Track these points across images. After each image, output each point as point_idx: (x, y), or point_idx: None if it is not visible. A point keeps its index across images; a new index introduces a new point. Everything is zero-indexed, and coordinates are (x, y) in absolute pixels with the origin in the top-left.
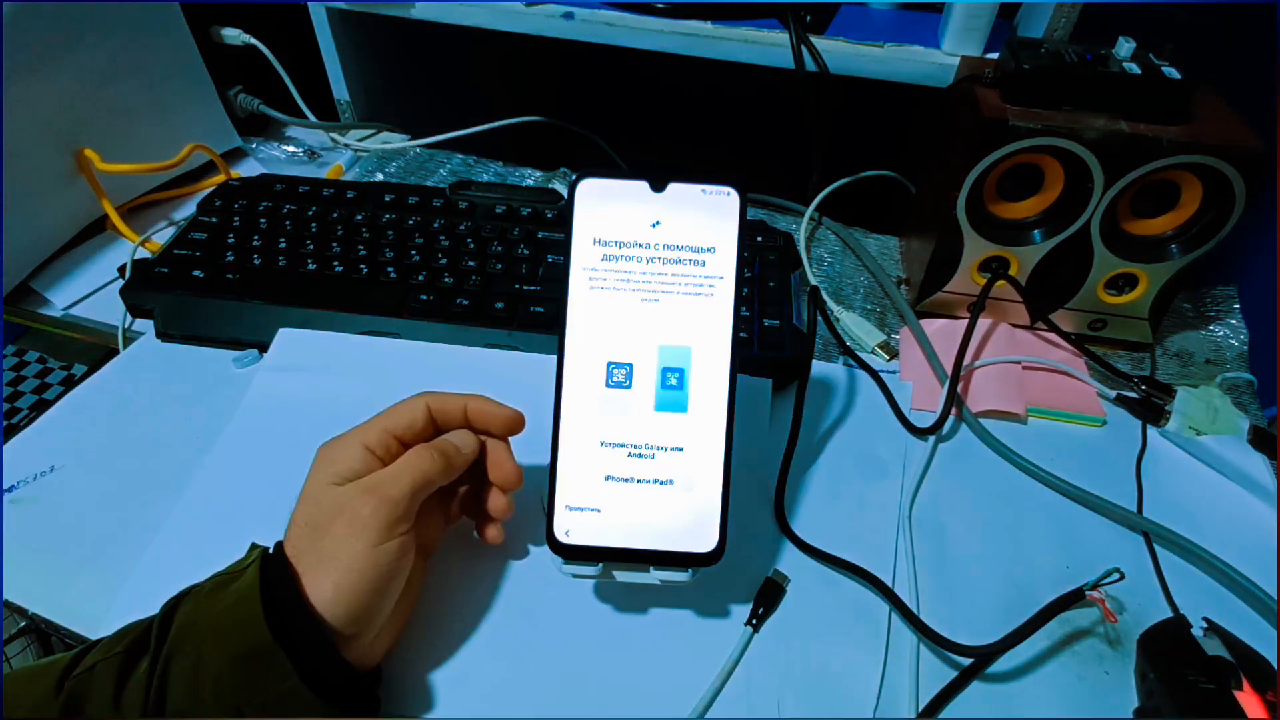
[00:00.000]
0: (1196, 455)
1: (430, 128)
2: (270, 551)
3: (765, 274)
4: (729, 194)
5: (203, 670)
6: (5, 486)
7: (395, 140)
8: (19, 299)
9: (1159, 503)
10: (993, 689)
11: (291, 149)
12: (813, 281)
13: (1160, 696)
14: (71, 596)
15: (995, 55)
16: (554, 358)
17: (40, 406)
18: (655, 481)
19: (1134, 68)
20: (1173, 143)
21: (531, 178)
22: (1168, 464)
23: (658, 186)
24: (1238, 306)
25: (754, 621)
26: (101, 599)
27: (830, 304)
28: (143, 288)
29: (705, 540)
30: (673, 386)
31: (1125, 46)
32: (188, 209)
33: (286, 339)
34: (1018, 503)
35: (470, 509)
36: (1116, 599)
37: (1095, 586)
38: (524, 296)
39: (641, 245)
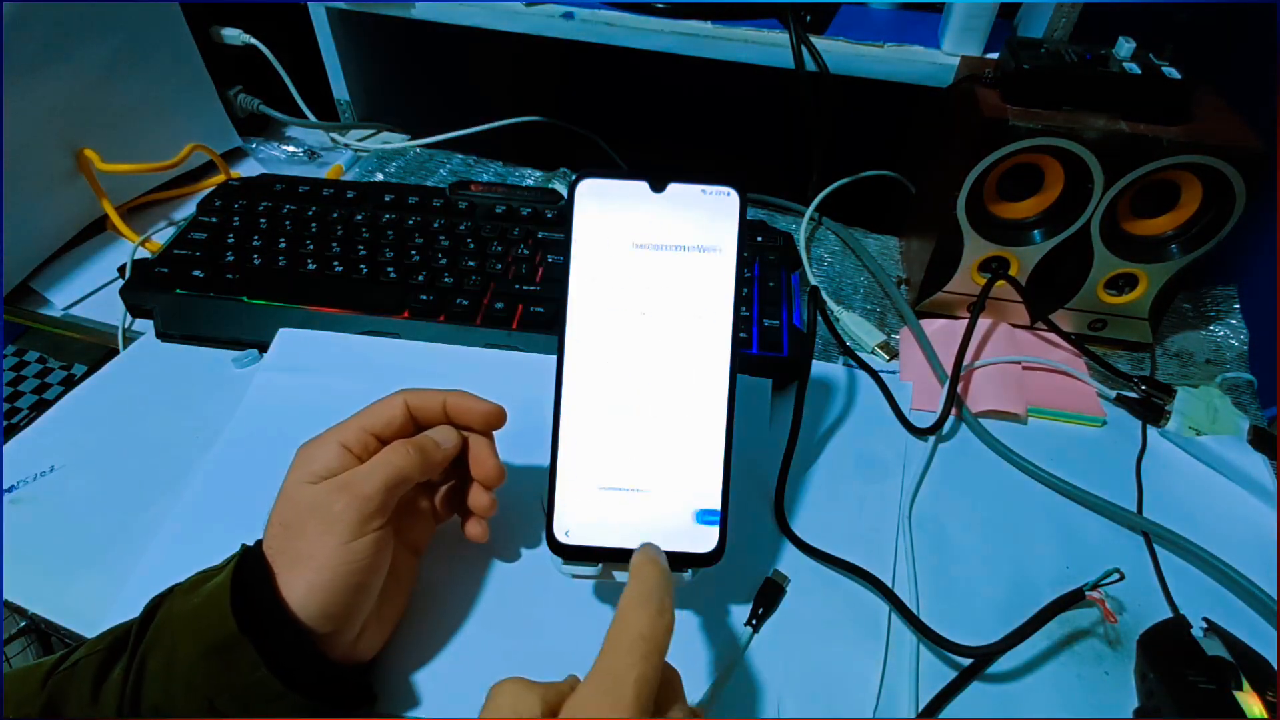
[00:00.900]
0: (1196, 455)
1: (430, 128)
2: (249, 549)
3: (765, 274)
4: (729, 194)
5: (175, 663)
6: (5, 486)
7: (395, 140)
8: (19, 299)
9: (1159, 503)
10: (993, 689)
11: (291, 149)
12: (813, 281)
13: (1160, 696)
14: (71, 596)
15: (995, 55)
16: (554, 358)
17: (40, 406)
18: (655, 482)
19: (1134, 68)
20: (1173, 143)
21: (531, 178)
22: (1168, 464)
23: (658, 187)
24: (1238, 306)
25: (754, 621)
26: (101, 599)
27: (830, 304)
28: (143, 288)
29: (705, 540)
30: (675, 387)
31: (1125, 46)
32: (188, 209)
33: (286, 339)
34: (1018, 503)
35: (455, 506)
36: (1116, 599)
37: (1095, 587)
38: (524, 296)
39: (641, 245)
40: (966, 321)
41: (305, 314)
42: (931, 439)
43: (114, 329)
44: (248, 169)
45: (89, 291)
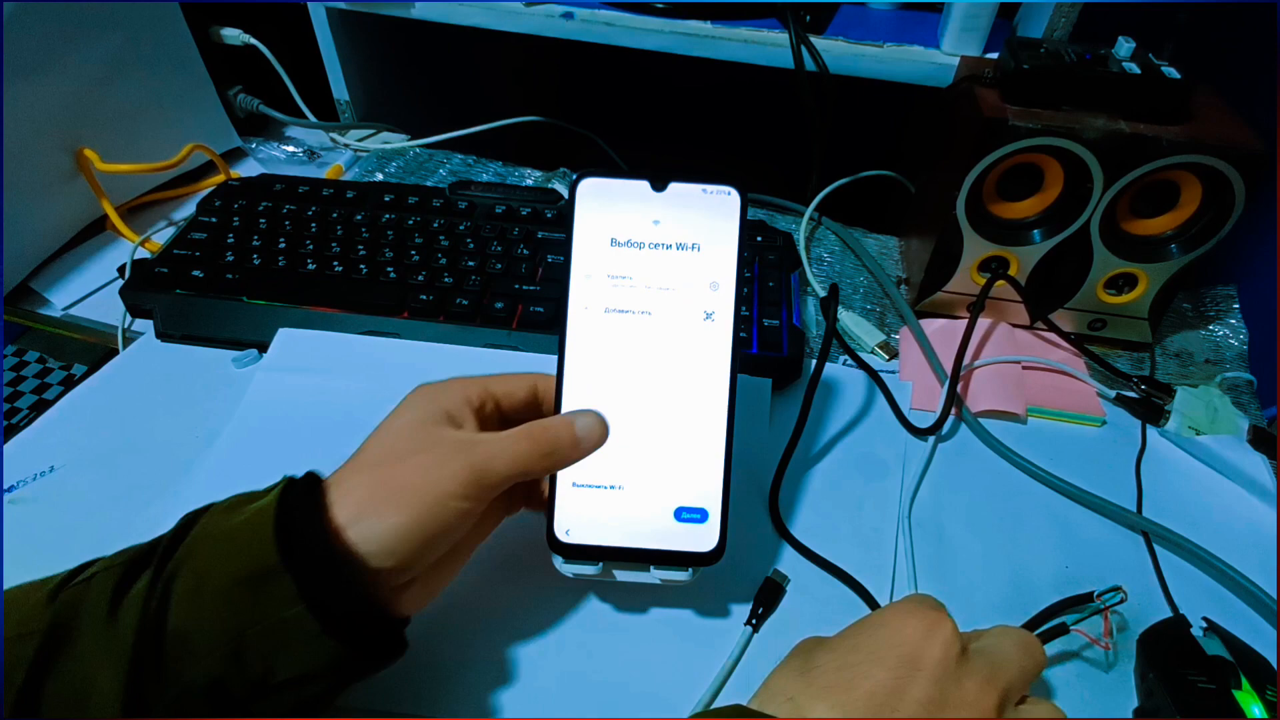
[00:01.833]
0: (1196, 455)
1: (430, 128)
2: (299, 478)
3: (765, 274)
4: (730, 193)
5: (204, 587)
6: (5, 486)
7: (395, 140)
8: (19, 299)
9: (1159, 503)
10: None
11: (291, 149)
12: (812, 281)
13: (1160, 696)
14: None
15: (995, 55)
16: (554, 358)
17: (40, 406)
18: (656, 481)
19: (1134, 68)
20: (1172, 143)
21: (531, 178)
22: (1168, 464)
23: (658, 186)
24: (1238, 306)
25: (754, 621)
26: None
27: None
28: (142, 288)
29: (706, 540)
30: (674, 386)
31: (1125, 46)
32: (188, 209)
33: (286, 339)
34: (1018, 503)
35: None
36: (1120, 613)
37: (1102, 608)
38: (524, 296)
39: (642, 245)
40: (966, 321)
41: (305, 314)
42: (931, 439)
43: (114, 329)
44: (247, 169)
45: (89, 291)
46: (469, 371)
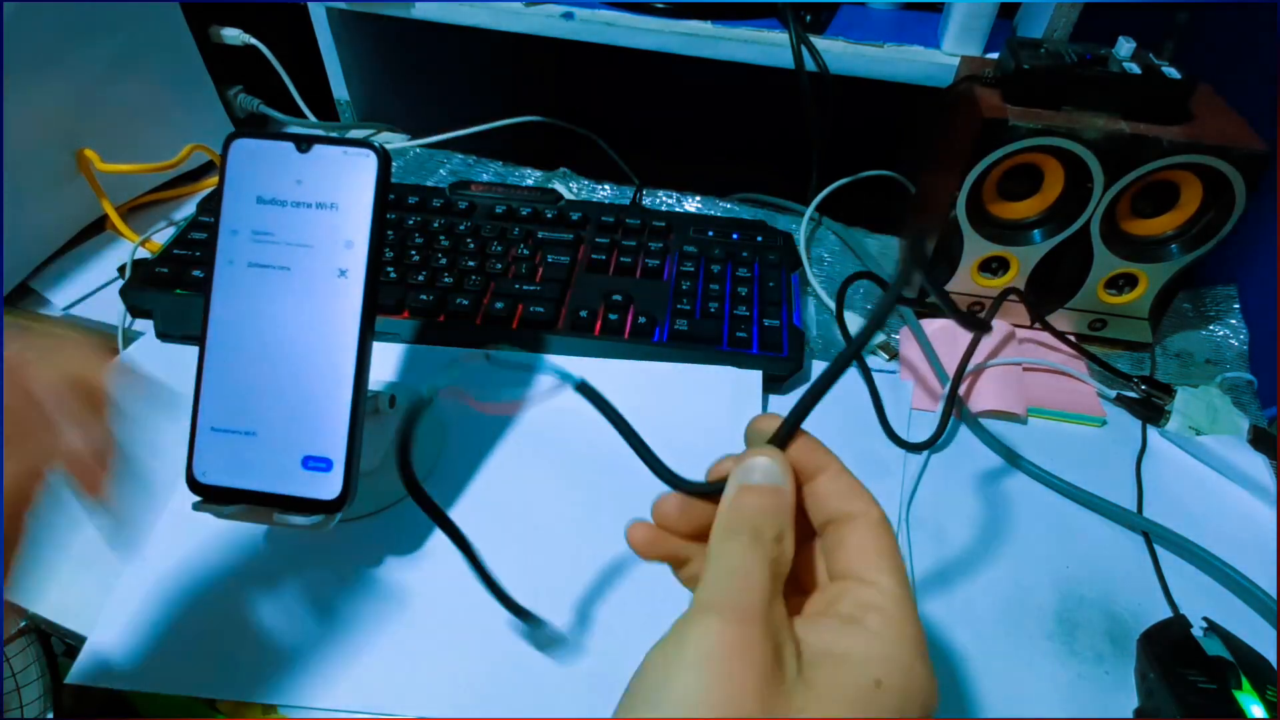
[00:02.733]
0: (1196, 455)
1: (430, 128)
2: None
3: (765, 274)
4: (367, 155)
5: None
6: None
7: (395, 140)
8: (19, 299)
9: (1159, 503)
10: (993, 688)
11: None
12: (812, 281)
13: (1160, 696)
14: (71, 596)
15: (995, 55)
16: (554, 358)
17: None
18: (286, 430)
19: (1134, 68)
20: (1173, 143)
21: (531, 178)
22: (1168, 464)
23: (303, 148)
24: (1238, 306)
25: None
26: (101, 599)
27: (830, 304)
28: (142, 288)
29: (330, 488)
30: (306, 339)
31: (1125, 46)
32: (188, 209)
33: None
34: (1018, 503)
35: None
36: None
37: None
38: (524, 296)
39: (285, 203)
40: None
41: None
42: (931, 434)
43: (114, 329)
44: None
45: (89, 291)
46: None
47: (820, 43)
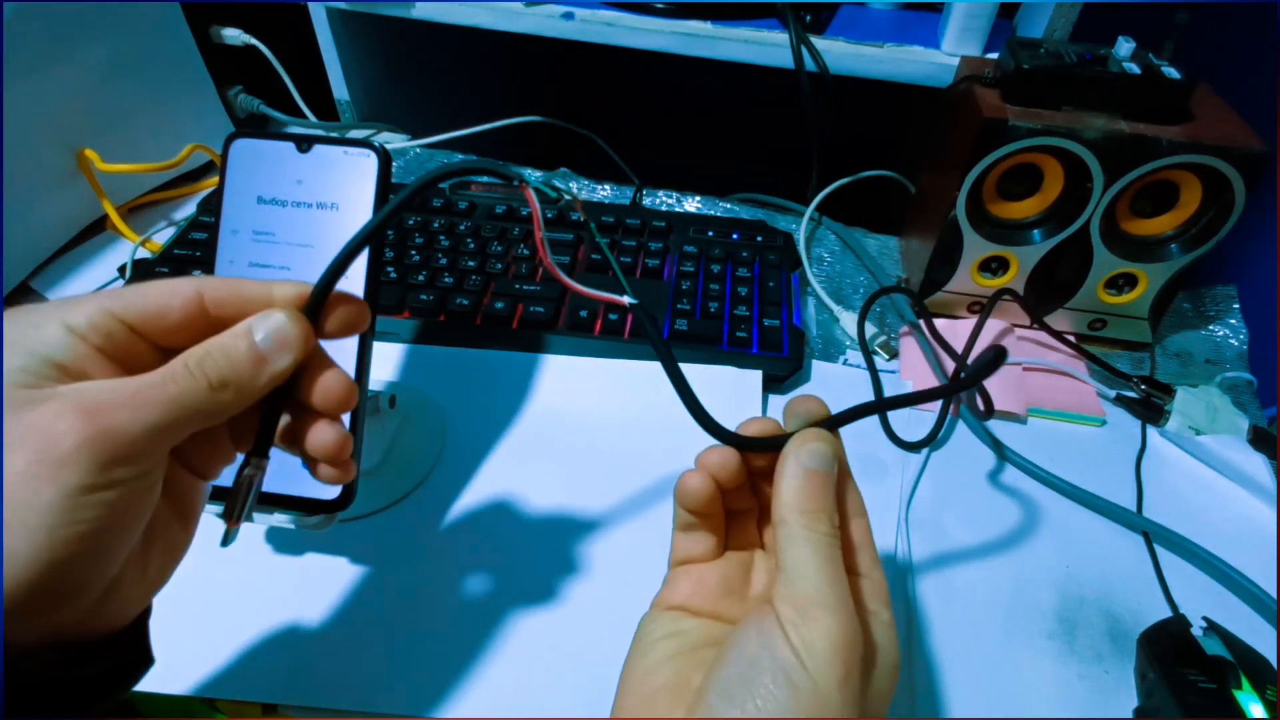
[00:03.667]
0: (1196, 455)
1: (430, 128)
2: None
3: (765, 274)
4: (368, 155)
5: None
6: None
7: (395, 140)
8: (19, 299)
9: (1159, 503)
10: (992, 688)
11: None
12: (812, 281)
13: (1160, 696)
14: None
15: (995, 55)
16: (555, 358)
17: None
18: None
19: (1134, 68)
20: (1173, 143)
21: (531, 178)
22: (1168, 464)
23: (304, 148)
24: (1238, 306)
25: None
26: None
27: (830, 304)
28: None
29: (330, 489)
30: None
31: (1125, 46)
32: (188, 209)
33: None
34: (1018, 503)
35: (284, 436)
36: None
37: None
38: (524, 296)
39: (285, 203)
40: (965, 321)
41: None
42: (930, 430)
43: None
44: None
45: (89, 291)
46: (467, 372)
47: (820, 43)
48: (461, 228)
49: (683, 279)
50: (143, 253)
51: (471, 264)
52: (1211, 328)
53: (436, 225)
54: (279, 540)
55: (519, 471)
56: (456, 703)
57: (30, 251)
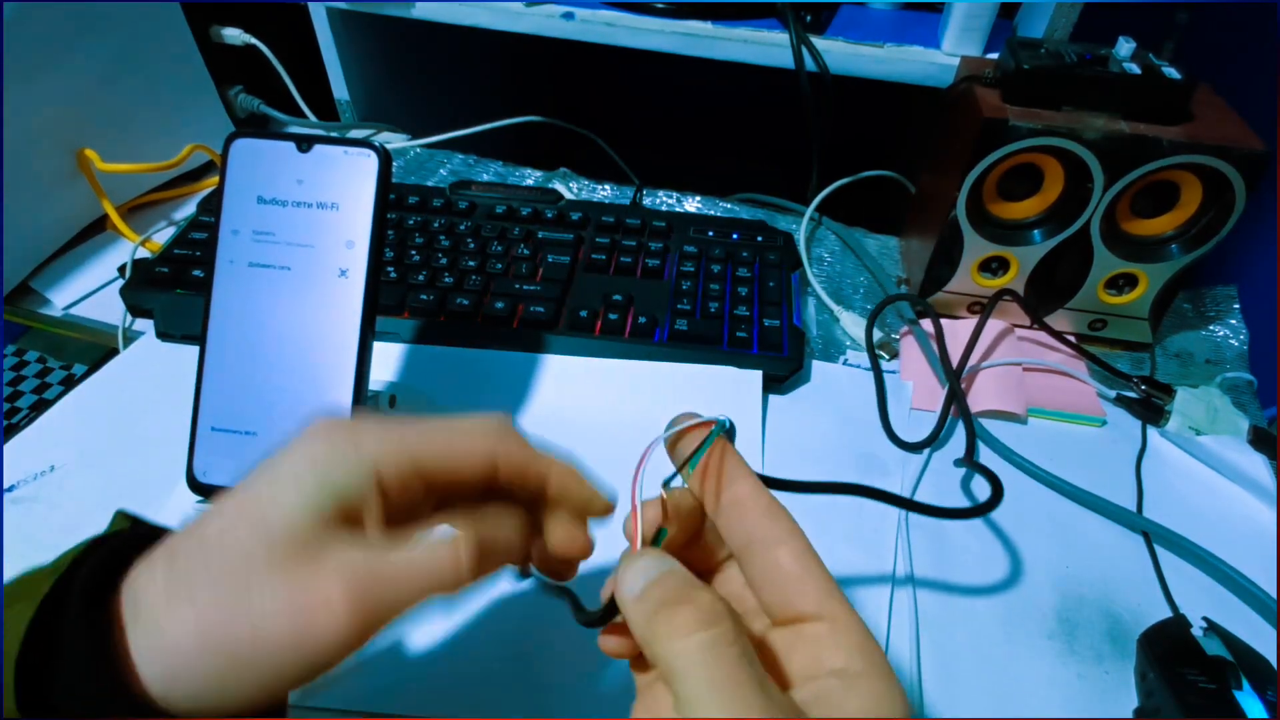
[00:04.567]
0: (1196, 455)
1: (430, 128)
2: (84, 564)
3: (765, 274)
4: (368, 155)
5: None
6: (5, 486)
7: (395, 140)
8: (19, 299)
9: (1159, 503)
10: (993, 688)
11: None
12: (812, 281)
13: (1160, 696)
14: None
15: (995, 55)
16: (555, 358)
17: (40, 406)
18: (287, 430)
19: (1134, 68)
20: (1173, 143)
21: (531, 178)
22: (1168, 464)
23: (304, 147)
24: (1238, 306)
25: None
26: None
27: (830, 304)
28: (143, 287)
29: None
30: (307, 339)
31: (1125, 46)
32: (188, 209)
33: None
34: (1018, 502)
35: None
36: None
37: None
38: (524, 296)
39: (285, 203)
40: (966, 321)
41: None
42: (929, 430)
43: (114, 329)
44: None
45: (89, 291)
46: (467, 372)
47: (820, 43)
48: (462, 227)
49: (683, 279)
50: (143, 252)
51: (472, 264)
52: (1212, 328)
53: (437, 225)
54: None
55: None
56: (456, 703)
57: (30, 251)
